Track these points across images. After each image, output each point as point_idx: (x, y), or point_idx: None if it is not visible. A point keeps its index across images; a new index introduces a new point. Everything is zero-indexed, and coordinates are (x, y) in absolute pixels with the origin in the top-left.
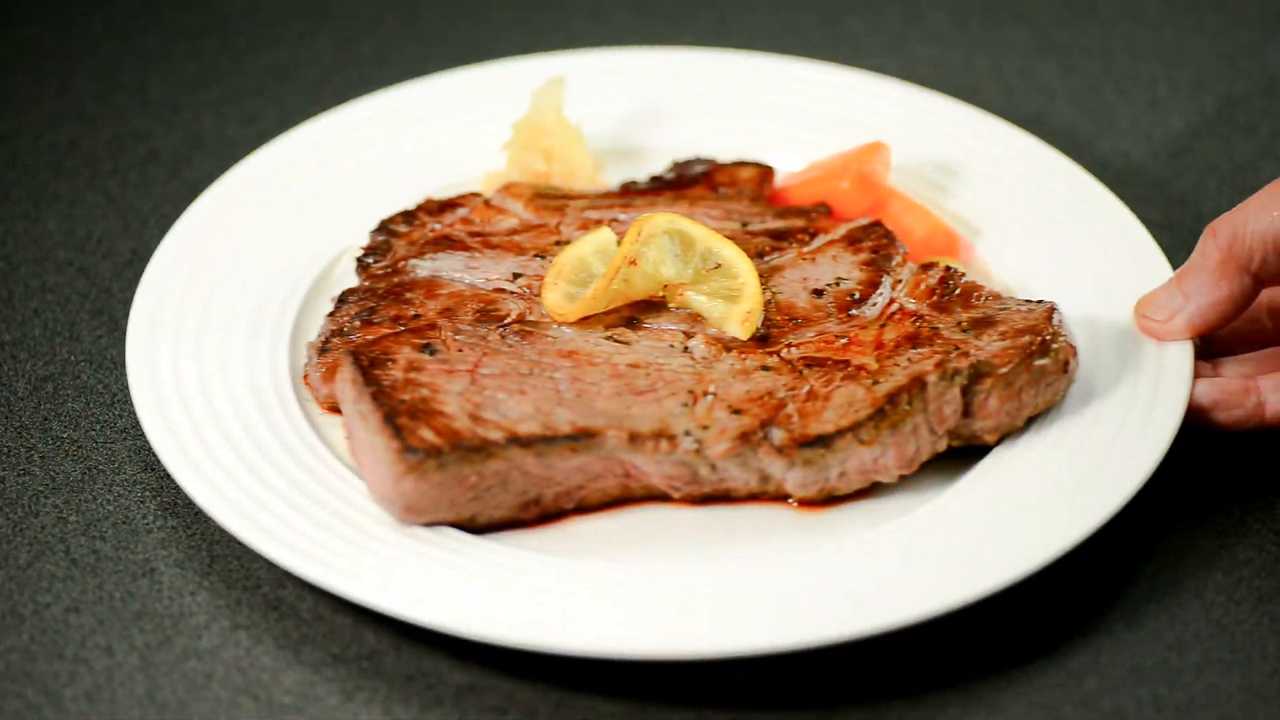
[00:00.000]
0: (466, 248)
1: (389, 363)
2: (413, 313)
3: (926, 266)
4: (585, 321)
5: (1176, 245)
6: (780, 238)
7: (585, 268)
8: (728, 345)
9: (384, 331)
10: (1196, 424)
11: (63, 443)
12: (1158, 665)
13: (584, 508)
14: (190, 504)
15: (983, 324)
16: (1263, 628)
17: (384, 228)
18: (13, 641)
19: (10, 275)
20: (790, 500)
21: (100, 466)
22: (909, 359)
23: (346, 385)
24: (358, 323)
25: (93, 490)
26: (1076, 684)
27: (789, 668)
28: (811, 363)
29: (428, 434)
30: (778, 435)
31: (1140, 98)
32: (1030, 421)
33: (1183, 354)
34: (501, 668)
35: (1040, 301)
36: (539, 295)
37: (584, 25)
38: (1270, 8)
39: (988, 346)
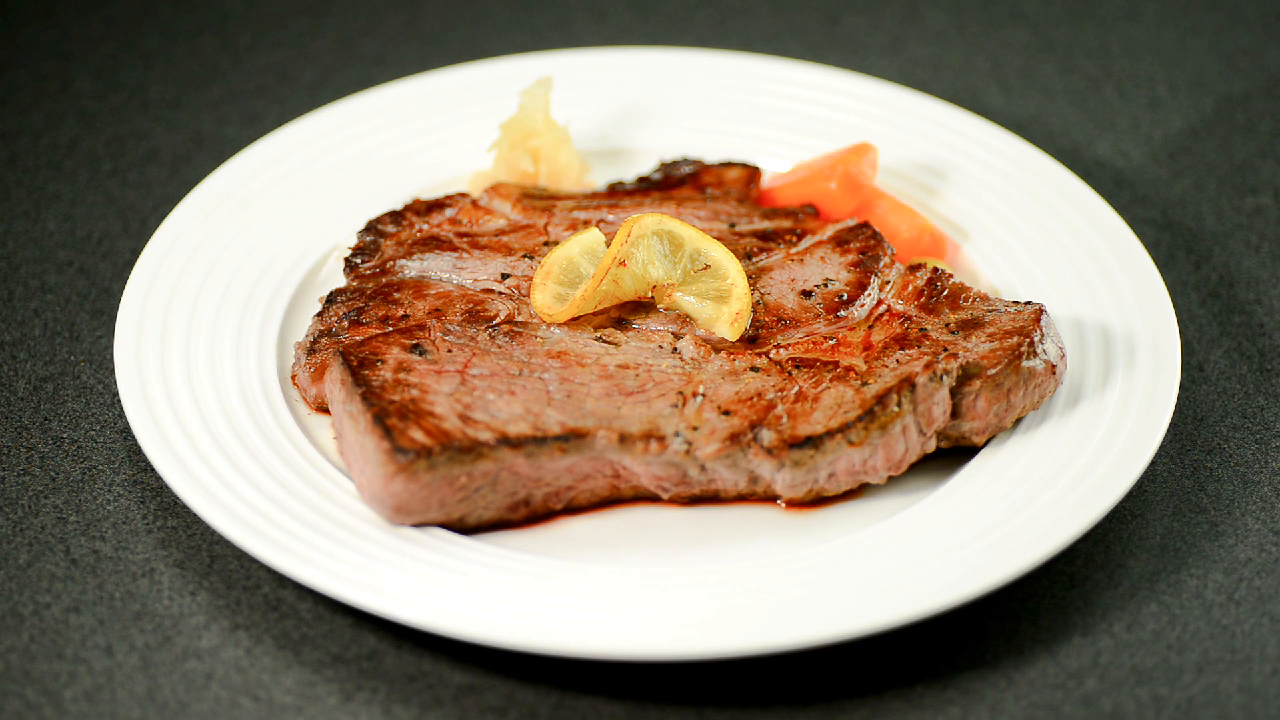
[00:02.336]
0: (454, 248)
1: (378, 363)
2: (401, 313)
3: (914, 268)
4: (574, 322)
5: (1175, 246)
6: (768, 239)
7: (574, 268)
8: (716, 346)
9: (372, 332)
10: None
11: (63, 443)
12: (1158, 665)
13: (573, 508)
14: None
15: (971, 325)
16: (1263, 628)
17: (372, 228)
18: (13, 641)
19: (10, 275)
20: (779, 501)
21: (100, 466)
22: (898, 360)
23: (336, 386)
24: (346, 323)
25: (93, 490)
26: (1076, 684)
27: (787, 668)
28: (800, 364)
29: (418, 435)
30: (767, 436)
31: (1140, 98)
32: (1018, 423)
33: (1172, 355)
34: (501, 668)
35: (1029, 303)
36: (528, 296)
37: (584, 25)
38: (1270, 8)
39: (976, 348)
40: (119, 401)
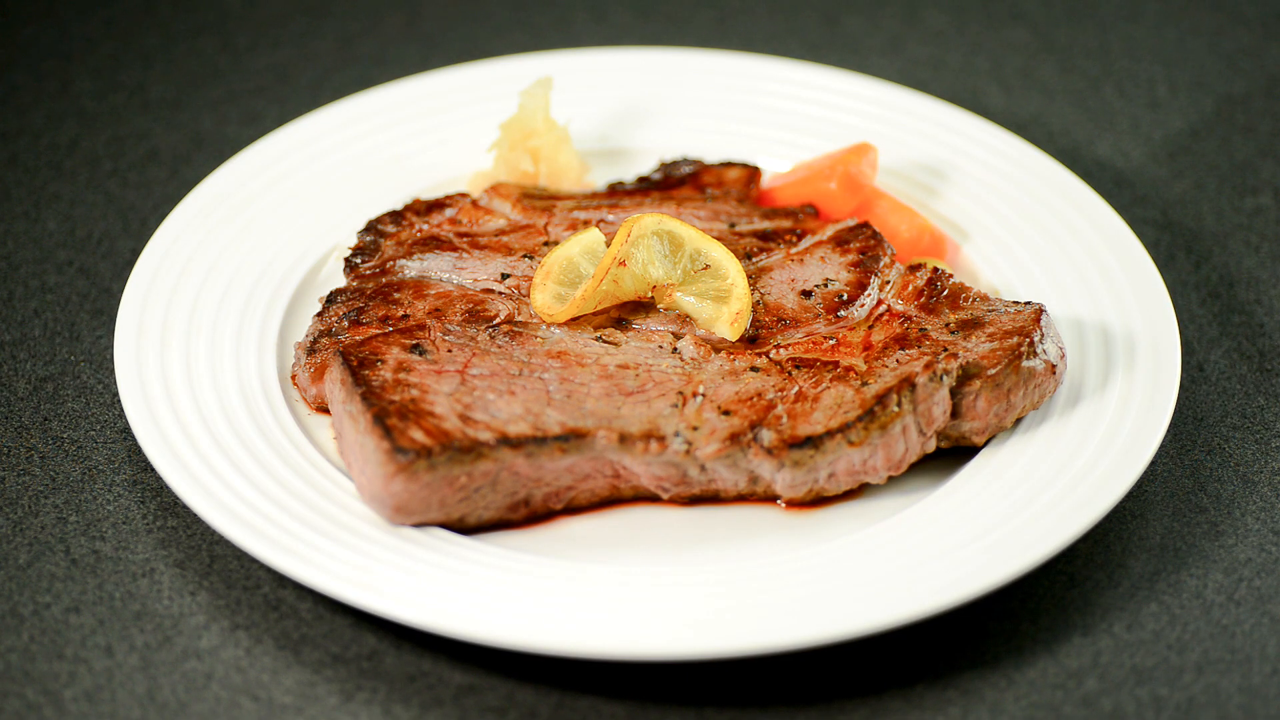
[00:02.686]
0: (454, 248)
1: (378, 363)
2: (401, 313)
3: (914, 268)
4: (574, 322)
5: (1175, 246)
6: (768, 239)
7: (574, 268)
8: (716, 346)
9: (372, 332)
10: None
11: (63, 443)
12: (1158, 665)
13: (573, 508)
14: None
15: (971, 325)
16: (1263, 628)
17: (372, 228)
18: (13, 641)
19: (10, 275)
20: (779, 501)
21: (100, 466)
22: (898, 360)
23: (336, 386)
24: (346, 323)
25: (93, 490)
26: (1076, 684)
27: (787, 668)
28: (800, 364)
29: (418, 435)
30: (767, 436)
31: (1140, 98)
32: (1018, 423)
33: (1172, 355)
34: (501, 668)
35: (1029, 303)
36: (527, 296)
37: (584, 25)
38: (1270, 8)
39: (976, 348)
40: (119, 401)
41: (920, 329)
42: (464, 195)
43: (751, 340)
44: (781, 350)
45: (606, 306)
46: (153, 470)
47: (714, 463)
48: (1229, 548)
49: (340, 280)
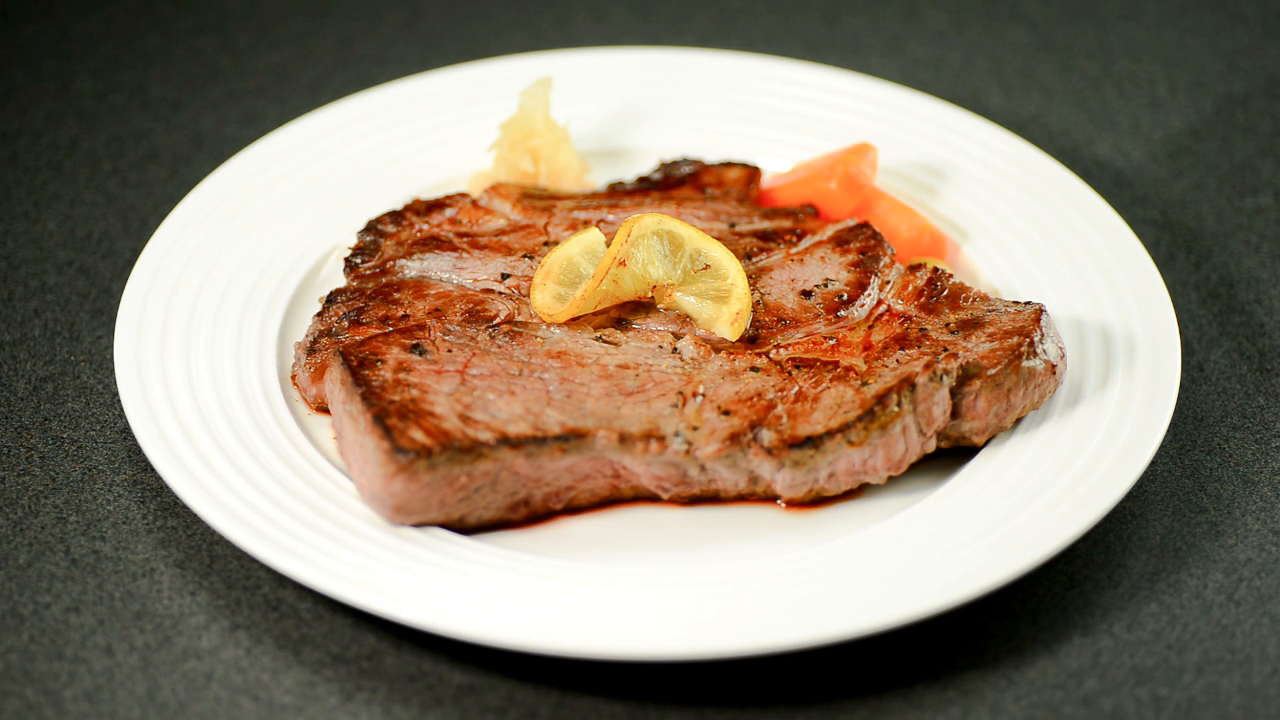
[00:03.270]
0: (454, 248)
1: (378, 363)
2: (401, 313)
3: (914, 268)
4: (574, 322)
5: (1175, 246)
6: (768, 239)
7: (574, 268)
8: (716, 346)
9: (372, 332)
10: None
11: (63, 443)
12: (1158, 665)
13: (573, 508)
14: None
15: (971, 325)
16: (1263, 628)
17: (372, 228)
18: (13, 641)
19: (10, 275)
20: (779, 501)
21: (100, 466)
22: (897, 360)
23: (336, 386)
24: (346, 323)
25: (93, 490)
26: (1076, 684)
27: (787, 668)
28: (800, 364)
29: (417, 434)
30: (767, 436)
31: (1140, 98)
32: (1018, 423)
33: (1172, 355)
34: (501, 668)
35: (1029, 303)
36: (528, 296)
37: (583, 25)
38: (1270, 8)
39: (976, 348)
40: (119, 401)
41: (920, 329)
42: (464, 195)
43: (751, 340)
44: (781, 350)
45: (606, 306)
46: (153, 470)
47: (714, 463)
48: (1229, 548)
49: (340, 280)
